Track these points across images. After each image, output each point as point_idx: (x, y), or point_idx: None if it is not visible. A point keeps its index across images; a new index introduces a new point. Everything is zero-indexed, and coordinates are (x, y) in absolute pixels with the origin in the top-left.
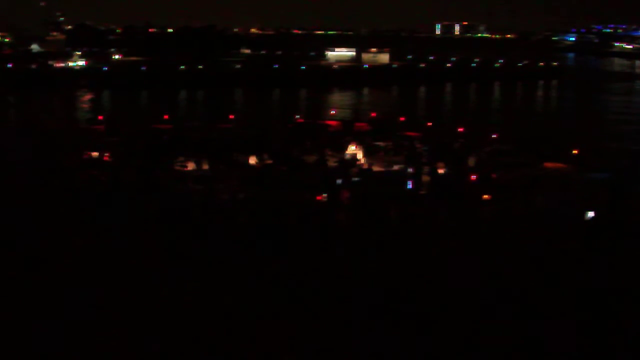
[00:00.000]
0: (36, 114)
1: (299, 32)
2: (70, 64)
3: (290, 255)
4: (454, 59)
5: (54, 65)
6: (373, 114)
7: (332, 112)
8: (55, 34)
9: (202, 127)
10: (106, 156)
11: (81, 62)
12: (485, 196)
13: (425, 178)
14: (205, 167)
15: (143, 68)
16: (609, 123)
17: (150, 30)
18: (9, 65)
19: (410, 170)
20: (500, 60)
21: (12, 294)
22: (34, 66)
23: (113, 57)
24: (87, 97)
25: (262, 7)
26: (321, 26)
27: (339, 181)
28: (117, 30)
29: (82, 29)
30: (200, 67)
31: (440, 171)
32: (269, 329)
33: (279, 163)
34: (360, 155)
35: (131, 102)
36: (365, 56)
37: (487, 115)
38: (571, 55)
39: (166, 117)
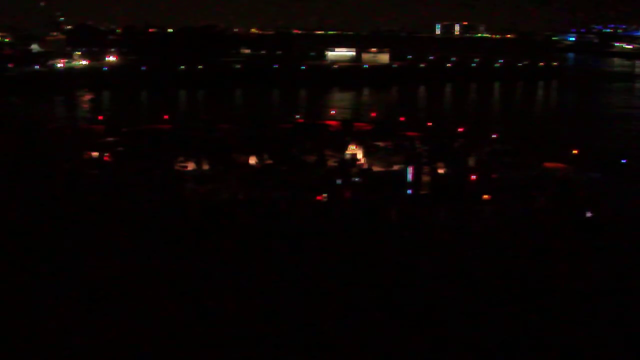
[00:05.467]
0: (36, 114)
1: (299, 32)
2: (57, 64)
3: (290, 254)
4: (454, 59)
5: (56, 64)
6: (373, 114)
7: (332, 112)
8: (55, 34)
9: (202, 127)
10: (106, 156)
11: (63, 63)
12: (485, 196)
13: (425, 178)
14: (205, 167)
15: (143, 68)
16: (608, 123)
17: (150, 30)
18: (10, 65)
19: (410, 170)
20: (500, 60)
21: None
22: (37, 66)
23: (107, 57)
24: (87, 97)
25: (262, 7)
26: (321, 26)
27: (339, 181)
28: (117, 30)
29: (82, 29)
30: (200, 67)
31: (440, 171)
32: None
33: (279, 163)
34: (360, 155)
35: (131, 102)
36: (365, 56)
37: (487, 115)
38: (571, 55)
39: (166, 117)
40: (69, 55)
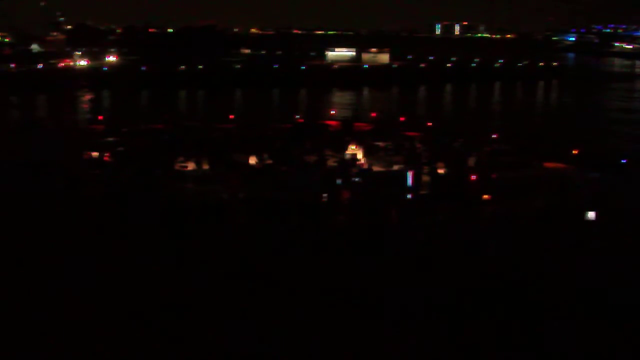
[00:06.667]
0: (37, 114)
1: (299, 32)
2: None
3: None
4: (454, 59)
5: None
6: (373, 114)
7: (332, 112)
8: (55, 34)
9: (202, 127)
10: (106, 156)
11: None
12: (485, 196)
13: (425, 178)
14: (205, 167)
15: (143, 68)
16: (608, 123)
17: (150, 30)
18: (12, 65)
19: (410, 170)
20: (500, 60)
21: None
22: (40, 66)
23: (107, 57)
24: (87, 97)
25: (262, 7)
26: (321, 26)
27: (339, 181)
28: (117, 31)
29: (82, 29)
30: (200, 67)
31: (440, 171)
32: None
33: (279, 163)
34: (360, 155)
35: (131, 102)
36: (365, 56)
37: (487, 115)
38: (571, 55)
39: (167, 117)
40: (69, 55)
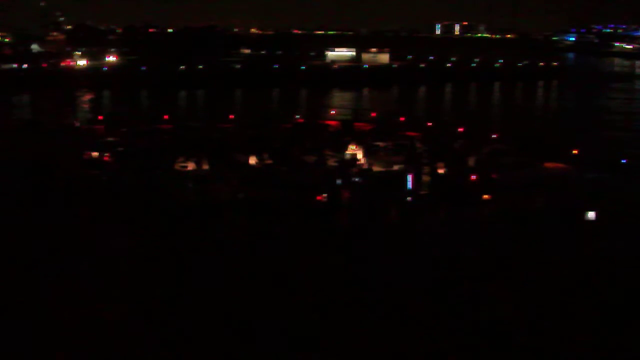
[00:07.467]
0: (37, 114)
1: (299, 32)
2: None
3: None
4: (454, 59)
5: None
6: (373, 114)
7: (332, 112)
8: (55, 34)
9: (202, 127)
10: (106, 156)
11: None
12: (485, 196)
13: (425, 178)
14: (205, 167)
15: (143, 68)
16: (608, 123)
17: (150, 30)
18: (14, 66)
19: (410, 170)
20: (500, 60)
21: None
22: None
23: (107, 57)
24: (87, 97)
25: (262, 7)
26: (321, 26)
27: (339, 181)
28: (117, 30)
29: (82, 29)
30: (200, 67)
31: (440, 171)
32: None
33: (279, 163)
34: (360, 155)
35: (131, 102)
36: (365, 56)
37: (487, 115)
38: (571, 55)
39: (166, 117)
40: (69, 55)
